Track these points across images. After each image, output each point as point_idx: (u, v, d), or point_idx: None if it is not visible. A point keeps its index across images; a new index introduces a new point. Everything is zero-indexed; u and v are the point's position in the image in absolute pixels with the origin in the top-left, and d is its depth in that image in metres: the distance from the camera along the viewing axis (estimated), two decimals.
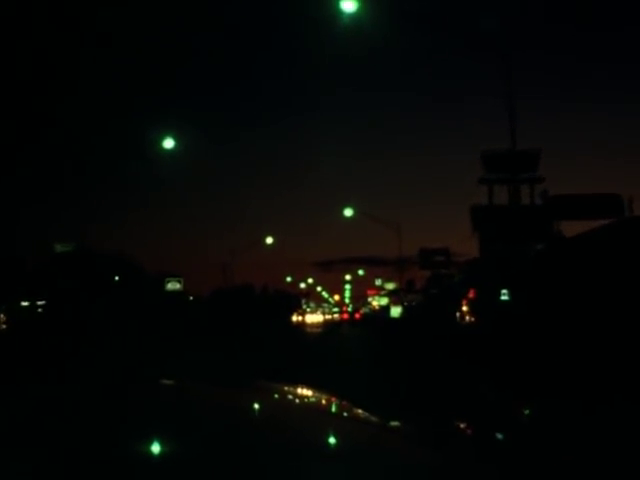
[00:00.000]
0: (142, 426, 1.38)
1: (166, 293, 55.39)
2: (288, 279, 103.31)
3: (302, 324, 75.13)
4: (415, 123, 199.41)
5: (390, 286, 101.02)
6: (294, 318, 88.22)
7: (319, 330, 51.52)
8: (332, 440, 1.47)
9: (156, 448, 1.25)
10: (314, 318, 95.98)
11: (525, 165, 32.01)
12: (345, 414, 1.90)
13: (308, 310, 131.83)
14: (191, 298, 79.28)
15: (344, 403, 1.91)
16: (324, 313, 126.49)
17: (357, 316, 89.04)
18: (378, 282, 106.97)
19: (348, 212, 47.72)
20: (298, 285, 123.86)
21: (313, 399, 2.12)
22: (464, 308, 38.99)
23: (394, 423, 1.76)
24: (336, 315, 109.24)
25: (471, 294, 36.44)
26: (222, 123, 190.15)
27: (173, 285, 56.17)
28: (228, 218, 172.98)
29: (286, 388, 2.17)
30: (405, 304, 68.93)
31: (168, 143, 33.55)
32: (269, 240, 60.41)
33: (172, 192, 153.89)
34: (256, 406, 1.81)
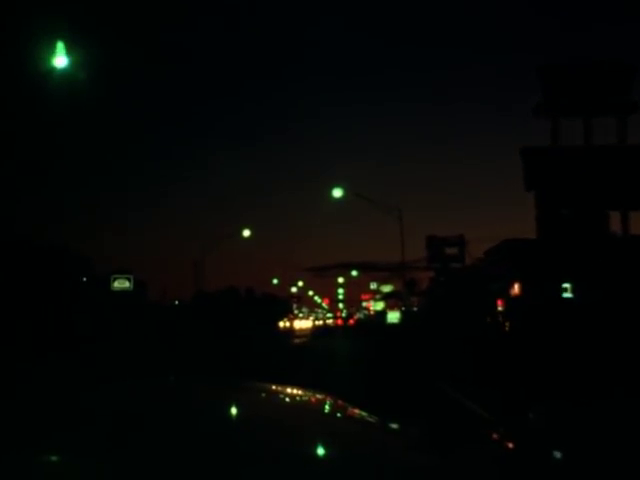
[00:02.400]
0: (135, 426, 1.32)
1: (115, 294, 43.41)
2: (274, 281, 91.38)
3: (290, 331, 63.62)
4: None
5: (387, 289, 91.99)
6: (281, 324, 78.28)
7: (303, 340, 39.08)
8: (330, 439, 1.38)
9: (151, 448, 1.17)
10: (303, 324, 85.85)
11: (610, 85, 20.23)
12: (341, 414, 1.86)
13: (300, 315, 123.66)
14: (177, 302, 69.60)
15: (340, 402, 1.86)
16: (317, 319, 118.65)
17: (351, 322, 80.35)
18: (373, 286, 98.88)
19: (337, 193, 36.65)
20: (288, 289, 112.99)
21: (308, 398, 2.04)
22: (500, 309, 26.97)
23: (393, 424, 1.69)
24: (329, 321, 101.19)
25: (516, 290, 24.19)
26: (198, 104, 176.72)
27: (121, 284, 44.12)
28: (211, 218, 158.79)
29: (280, 388, 2.09)
30: (403, 309, 59.66)
31: (59, 60, 21.61)
32: (246, 233, 50.38)
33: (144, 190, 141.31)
34: (252, 405, 1.76)
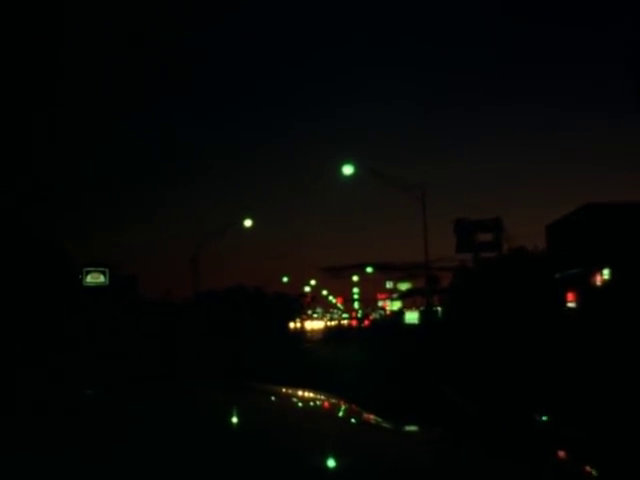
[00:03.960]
0: (144, 428, 1.30)
1: (89, 289, 36.29)
2: (285, 279, 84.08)
3: (300, 333, 56.87)
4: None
5: (404, 286, 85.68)
6: (292, 325, 72.62)
7: (309, 346, 31.45)
8: (345, 443, 1.34)
9: (162, 452, 1.14)
10: (315, 325, 79.06)
11: None
12: (356, 418, 1.79)
13: (315, 316, 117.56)
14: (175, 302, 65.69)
15: (353, 407, 1.80)
16: (332, 319, 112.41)
17: (366, 322, 77.70)
18: (389, 284, 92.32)
19: (348, 170, 30.20)
20: (301, 287, 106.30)
21: (320, 402, 1.96)
22: (571, 305, 19.29)
23: (408, 428, 1.66)
24: (344, 322, 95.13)
25: (603, 277, 16.40)
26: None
27: (95, 278, 36.96)
28: (218, 218, 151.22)
29: (292, 391, 2.02)
30: (422, 308, 53.08)
31: None
32: (248, 223, 44.27)
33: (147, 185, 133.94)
34: (265, 408, 1.72)
